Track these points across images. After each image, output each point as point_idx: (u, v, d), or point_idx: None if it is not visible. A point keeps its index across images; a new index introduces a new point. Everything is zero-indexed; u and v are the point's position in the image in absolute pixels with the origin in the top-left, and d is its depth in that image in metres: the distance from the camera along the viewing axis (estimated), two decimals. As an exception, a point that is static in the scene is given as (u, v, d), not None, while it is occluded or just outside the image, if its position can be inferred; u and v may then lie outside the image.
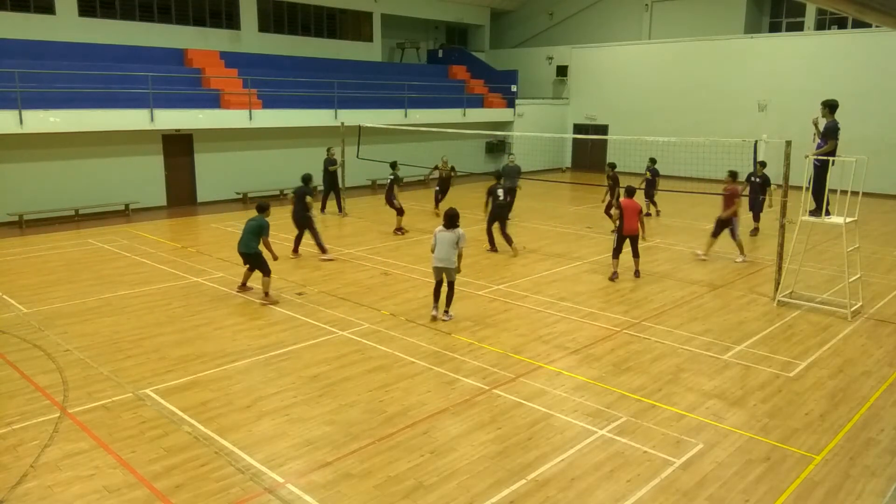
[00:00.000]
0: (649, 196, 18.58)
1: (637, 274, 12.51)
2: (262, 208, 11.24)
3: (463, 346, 8.99)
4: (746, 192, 15.32)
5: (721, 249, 14.84)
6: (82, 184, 18.28)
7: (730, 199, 13.49)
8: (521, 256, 14.04)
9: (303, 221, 13.52)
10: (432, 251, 9.94)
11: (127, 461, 6.10)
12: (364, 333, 9.47)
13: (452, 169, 19.16)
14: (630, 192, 12.39)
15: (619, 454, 6.31)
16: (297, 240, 13.85)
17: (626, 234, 12.24)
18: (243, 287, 11.43)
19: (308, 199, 13.39)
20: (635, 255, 12.51)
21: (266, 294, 10.96)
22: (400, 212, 16.29)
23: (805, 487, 5.83)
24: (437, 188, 19.10)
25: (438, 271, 9.96)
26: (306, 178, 13.82)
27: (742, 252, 13.91)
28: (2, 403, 7.25)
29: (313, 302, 10.90)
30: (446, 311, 10.08)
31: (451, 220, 9.79)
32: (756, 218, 16.20)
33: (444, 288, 10.05)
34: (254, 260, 11.00)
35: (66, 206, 17.98)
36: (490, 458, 6.22)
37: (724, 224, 13.66)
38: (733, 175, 13.87)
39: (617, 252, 12.37)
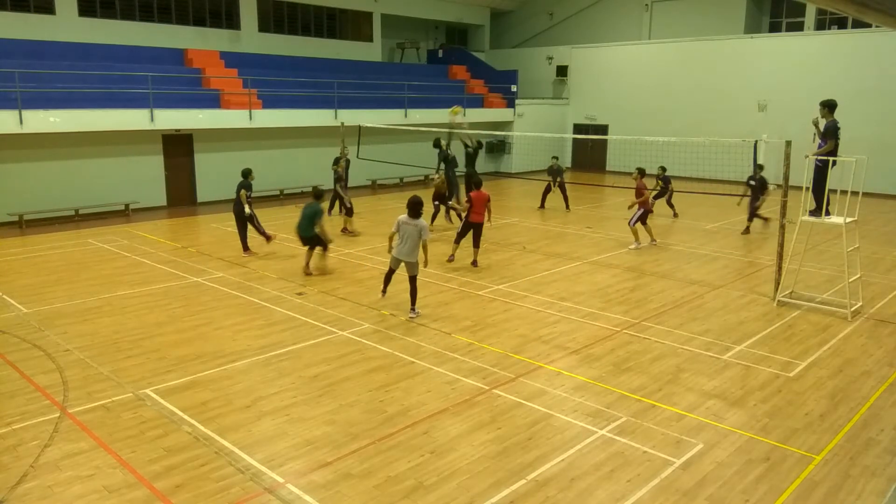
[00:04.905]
0: (667, 200, 18.88)
1: (475, 264, 13.08)
2: (318, 195, 12.65)
3: (463, 346, 8.99)
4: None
5: (720, 249, 14.86)
6: (82, 184, 18.28)
7: (639, 192, 14.73)
8: (522, 256, 14.04)
9: (240, 216, 13.90)
10: (391, 247, 10.11)
11: (127, 461, 6.10)
12: (364, 333, 9.47)
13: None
14: (479, 184, 13.17)
15: (619, 454, 6.31)
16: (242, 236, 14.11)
17: (473, 223, 12.96)
18: (307, 268, 12.53)
19: (242, 192, 13.68)
20: (477, 245, 13.11)
21: (307, 270, 12.41)
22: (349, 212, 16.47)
23: (805, 487, 5.84)
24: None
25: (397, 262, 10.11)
26: (245, 173, 14.00)
27: (637, 239, 14.92)
28: (2, 403, 7.25)
29: (313, 302, 10.90)
30: (413, 309, 10.17)
31: (415, 207, 9.85)
32: (750, 218, 16.68)
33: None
34: (311, 241, 12.45)
35: (66, 206, 17.97)
36: (490, 458, 6.22)
37: (646, 212, 14.85)
38: (641, 172, 14.96)
39: (459, 238, 13.24)
